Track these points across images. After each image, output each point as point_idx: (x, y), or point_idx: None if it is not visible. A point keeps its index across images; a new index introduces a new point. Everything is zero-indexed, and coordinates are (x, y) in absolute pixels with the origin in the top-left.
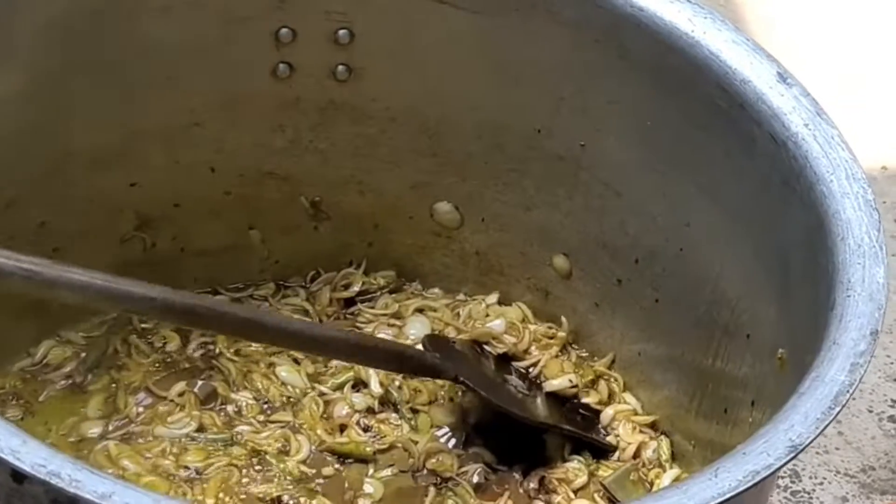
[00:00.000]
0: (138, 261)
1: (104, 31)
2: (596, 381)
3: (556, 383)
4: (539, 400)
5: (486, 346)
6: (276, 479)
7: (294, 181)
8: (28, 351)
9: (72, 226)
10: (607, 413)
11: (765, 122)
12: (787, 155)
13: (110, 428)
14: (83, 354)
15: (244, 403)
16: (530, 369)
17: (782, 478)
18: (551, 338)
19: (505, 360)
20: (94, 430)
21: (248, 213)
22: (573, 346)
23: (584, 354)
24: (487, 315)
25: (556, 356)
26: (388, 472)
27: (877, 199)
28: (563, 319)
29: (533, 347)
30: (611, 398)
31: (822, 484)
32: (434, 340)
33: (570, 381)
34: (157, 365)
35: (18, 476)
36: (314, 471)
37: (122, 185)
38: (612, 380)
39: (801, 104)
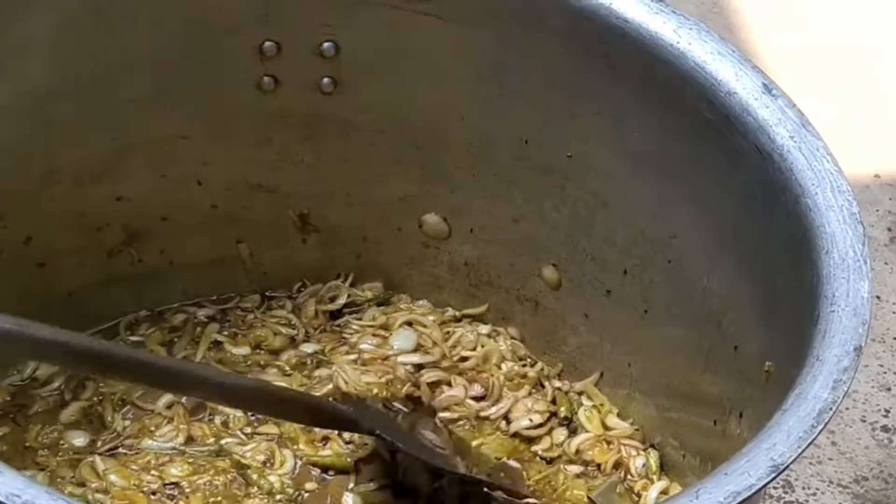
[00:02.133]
0: (126, 275)
1: (89, 45)
2: (571, 416)
3: (514, 425)
4: (457, 459)
5: (395, 404)
6: (258, 495)
7: (281, 194)
8: (17, 368)
9: (59, 241)
10: (571, 445)
11: (750, 134)
12: (773, 167)
13: (99, 443)
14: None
15: (231, 415)
16: (494, 408)
17: (775, 488)
18: (524, 377)
19: (430, 414)
20: (78, 440)
21: (236, 227)
22: (559, 377)
23: (562, 387)
24: (474, 348)
25: (529, 394)
26: (371, 485)
27: (870, 208)
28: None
29: (505, 388)
30: (574, 433)
31: (815, 495)
32: (347, 397)
33: (531, 420)
34: None
35: None
36: (297, 485)
37: (108, 200)
38: (584, 407)
39: (787, 116)
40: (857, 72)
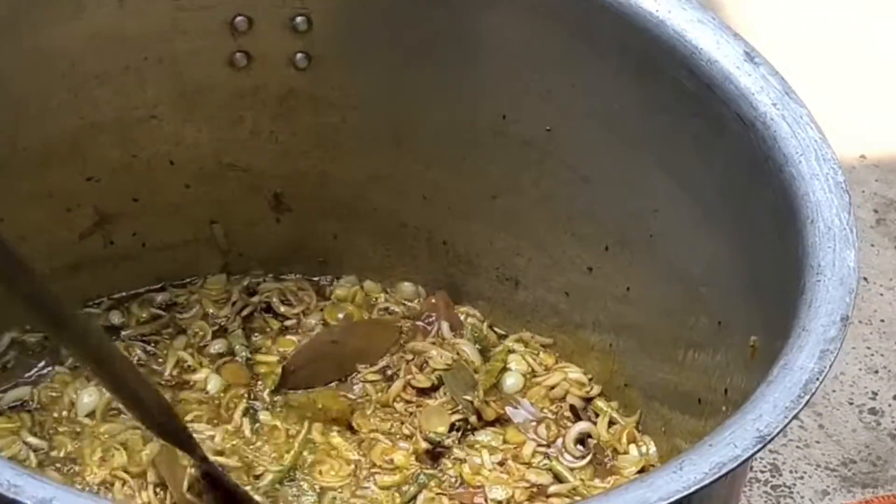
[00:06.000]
0: (98, 257)
1: (54, 21)
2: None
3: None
4: None
5: None
6: None
7: (255, 173)
8: None
9: (29, 222)
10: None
11: (732, 103)
12: (756, 136)
13: None
14: None
15: None
16: None
17: (762, 472)
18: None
19: None
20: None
21: (210, 207)
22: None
23: None
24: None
25: None
26: None
27: (856, 189)
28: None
29: None
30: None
31: (802, 478)
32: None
33: None
34: None
35: None
36: None
37: (78, 180)
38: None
39: (770, 83)
40: (842, 52)
